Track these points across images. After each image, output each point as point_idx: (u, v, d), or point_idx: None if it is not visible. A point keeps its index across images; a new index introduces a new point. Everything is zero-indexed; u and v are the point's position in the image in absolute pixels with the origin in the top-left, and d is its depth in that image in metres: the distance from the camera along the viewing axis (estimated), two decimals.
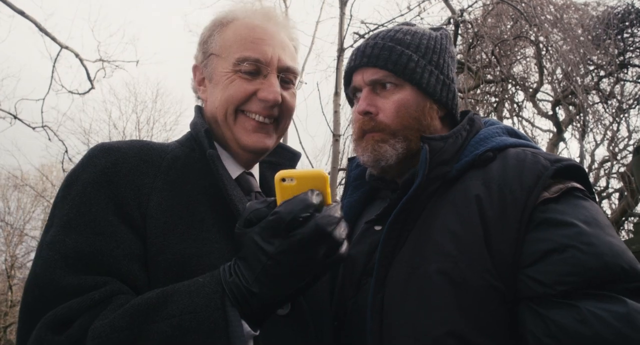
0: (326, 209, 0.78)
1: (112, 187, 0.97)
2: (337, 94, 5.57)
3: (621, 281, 0.80)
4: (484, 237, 0.87)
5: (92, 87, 7.00)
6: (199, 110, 1.18)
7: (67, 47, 6.46)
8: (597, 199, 13.56)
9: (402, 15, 6.41)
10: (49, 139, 7.16)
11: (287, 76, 1.13)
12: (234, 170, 1.13)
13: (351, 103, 1.19)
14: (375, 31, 1.18)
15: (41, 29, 6.01)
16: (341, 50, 5.64)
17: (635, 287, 0.80)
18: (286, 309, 0.89)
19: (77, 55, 6.65)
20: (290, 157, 1.25)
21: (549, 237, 0.85)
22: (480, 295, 0.85)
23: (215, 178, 1.03)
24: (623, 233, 11.26)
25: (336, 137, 5.48)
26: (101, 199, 0.96)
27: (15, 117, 6.83)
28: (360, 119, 1.07)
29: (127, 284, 0.92)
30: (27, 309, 0.91)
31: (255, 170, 1.20)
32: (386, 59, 1.04)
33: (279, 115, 1.13)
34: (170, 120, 21.03)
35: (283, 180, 0.82)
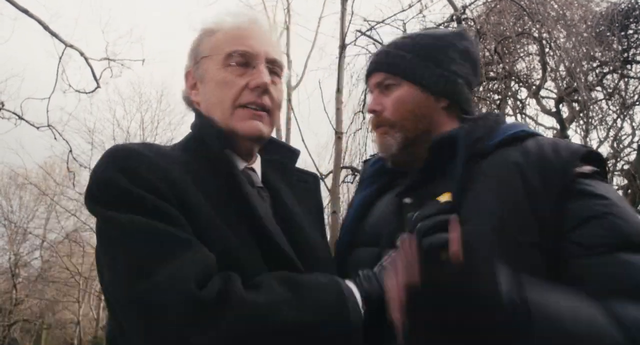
0: None
1: (148, 182, 0.97)
2: (339, 91, 5.55)
3: None
4: (528, 200, 0.94)
5: (98, 86, 7.00)
6: (199, 113, 1.20)
7: (71, 46, 6.46)
8: None
9: (403, 11, 6.38)
10: (55, 138, 7.18)
11: (274, 68, 1.17)
12: (238, 166, 1.16)
13: None
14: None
15: (45, 28, 6.01)
16: (343, 47, 5.63)
17: None
18: None
19: (82, 54, 6.65)
20: (290, 155, 1.29)
21: (587, 206, 0.93)
22: (524, 250, 0.92)
23: (231, 176, 1.07)
24: None
25: (338, 134, 5.48)
26: (145, 193, 0.96)
27: (20, 118, 6.85)
28: (371, 117, 1.22)
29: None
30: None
31: (257, 166, 1.22)
32: (382, 62, 1.20)
33: (271, 105, 1.16)
34: (175, 120, 21.02)
35: None
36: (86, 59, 6.71)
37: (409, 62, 1.16)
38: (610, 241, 0.88)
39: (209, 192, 1.04)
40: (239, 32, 1.16)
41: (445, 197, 0.96)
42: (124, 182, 0.96)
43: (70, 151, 7.76)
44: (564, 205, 0.94)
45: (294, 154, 1.30)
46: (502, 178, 0.99)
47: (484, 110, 10.43)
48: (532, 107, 11.57)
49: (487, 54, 8.56)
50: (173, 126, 20.62)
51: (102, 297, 17.28)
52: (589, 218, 0.91)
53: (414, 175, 1.12)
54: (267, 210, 1.11)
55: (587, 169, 0.99)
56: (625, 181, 10.29)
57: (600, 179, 1.00)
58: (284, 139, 10.69)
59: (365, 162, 1.34)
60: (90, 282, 18.38)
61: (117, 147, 1.06)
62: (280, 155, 1.28)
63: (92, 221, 20.58)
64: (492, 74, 8.44)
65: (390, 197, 1.20)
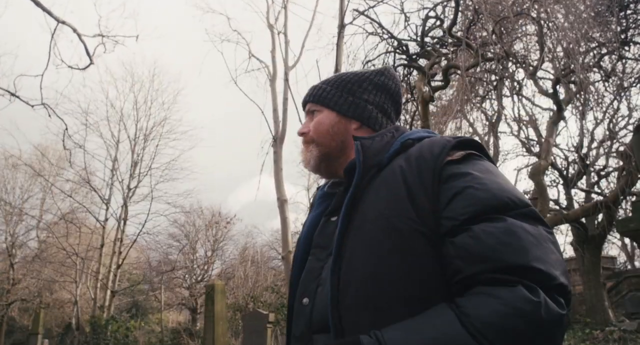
0: None
1: None
2: (337, 71, 5.51)
3: (510, 208, 1.03)
4: (407, 195, 1.11)
5: (92, 62, 6.90)
6: None
7: (64, 22, 6.36)
8: (596, 178, 13.53)
9: None
10: (49, 116, 7.08)
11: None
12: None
13: None
14: None
15: (37, 4, 5.91)
16: (341, 27, 5.57)
17: (522, 213, 1.04)
18: None
19: (74, 30, 6.55)
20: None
21: (453, 186, 1.09)
22: (407, 237, 1.07)
23: None
24: (621, 212, 11.32)
25: None
26: None
27: (13, 95, 6.75)
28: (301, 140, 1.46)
29: None
30: None
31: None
32: (311, 94, 1.47)
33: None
34: (168, 99, 20.87)
35: None
36: (79, 35, 6.61)
37: (328, 93, 1.43)
38: (468, 211, 1.03)
39: None
40: None
41: None
42: None
43: (66, 129, 7.69)
44: (438, 192, 1.09)
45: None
46: (389, 183, 1.16)
47: (480, 91, 10.40)
48: (529, 88, 11.55)
49: (484, 34, 8.49)
50: (166, 106, 20.51)
51: (99, 278, 17.39)
52: (454, 195, 1.07)
53: (337, 199, 1.30)
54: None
55: (457, 155, 1.14)
56: (620, 162, 10.34)
57: (473, 157, 1.16)
58: (280, 119, 10.65)
59: (317, 188, 1.55)
60: (87, 263, 18.46)
61: None
62: None
63: (88, 202, 20.38)
64: (489, 54, 8.39)
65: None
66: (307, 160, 1.43)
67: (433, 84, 8.88)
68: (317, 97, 1.45)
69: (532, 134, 13.28)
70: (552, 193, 13.38)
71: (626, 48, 9.20)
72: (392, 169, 1.19)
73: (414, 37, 8.92)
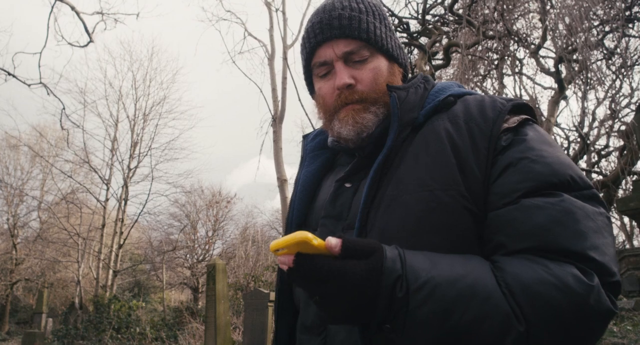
0: None
1: None
2: None
3: (571, 188, 0.88)
4: (457, 164, 0.95)
5: (91, 40, 6.82)
6: None
7: (62, 0, 6.28)
8: (597, 158, 13.50)
9: None
10: (48, 94, 7.02)
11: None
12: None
13: (310, 79, 1.20)
14: (321, 5, 1.16)
15: None
16: None
17: (585, 194, 0.89)
18: None
19: (72, 8, 6.47)
20: None
21: (507, 156, 0.94)
22: (453, 214, 0.92)
23: None
24: (621, 191, 11.32)
25: None
26: None
27: (10, 74, 6.68)
28: (339, 93, 1.07)
29: None
30: None
31: None
32: (357, 28, 1.06)
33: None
34: (167, 79, 20.76)
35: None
36: (77, 13, 6.53)
37: (381, 32, 1.09)
38: (523, 187, 0.88)
39: None
40: None
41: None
42: None
43: (64, 109, 7.65)
44: (492, 162, 0.94)
45: None
46: (431, 148, 0.98)
47: (481, 70, 10.31)
48: (530, 67, 11.47)
49: (486, 11, 8.38)
50: (165, 85, 20.42)
51: (101, 258, 17.53)
52: (507, 167, 0.92)
53: (357, 162, 1.09)
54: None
55: (512, 121, 0.99)
56: (621, 142, 10.30)
57: (529, 124, 1.01)
58: (279, 98, 10.58)
59: (304, 137, 1.29)
60: (89, 243, 18.58)
61: None
62: None
63: (88, 182, 20.50)
64: (490, 32, 8.29)
65: (333, 178, 1.15)
66: (365, 126, 1.05)
67: (434, 62, 8.81)
68: (373, 36, 1.07)
69: None
70: None
71: (630, 26, 9.09)
72: (435, 131, 1.00)
73: (415, 15, 8.82)
